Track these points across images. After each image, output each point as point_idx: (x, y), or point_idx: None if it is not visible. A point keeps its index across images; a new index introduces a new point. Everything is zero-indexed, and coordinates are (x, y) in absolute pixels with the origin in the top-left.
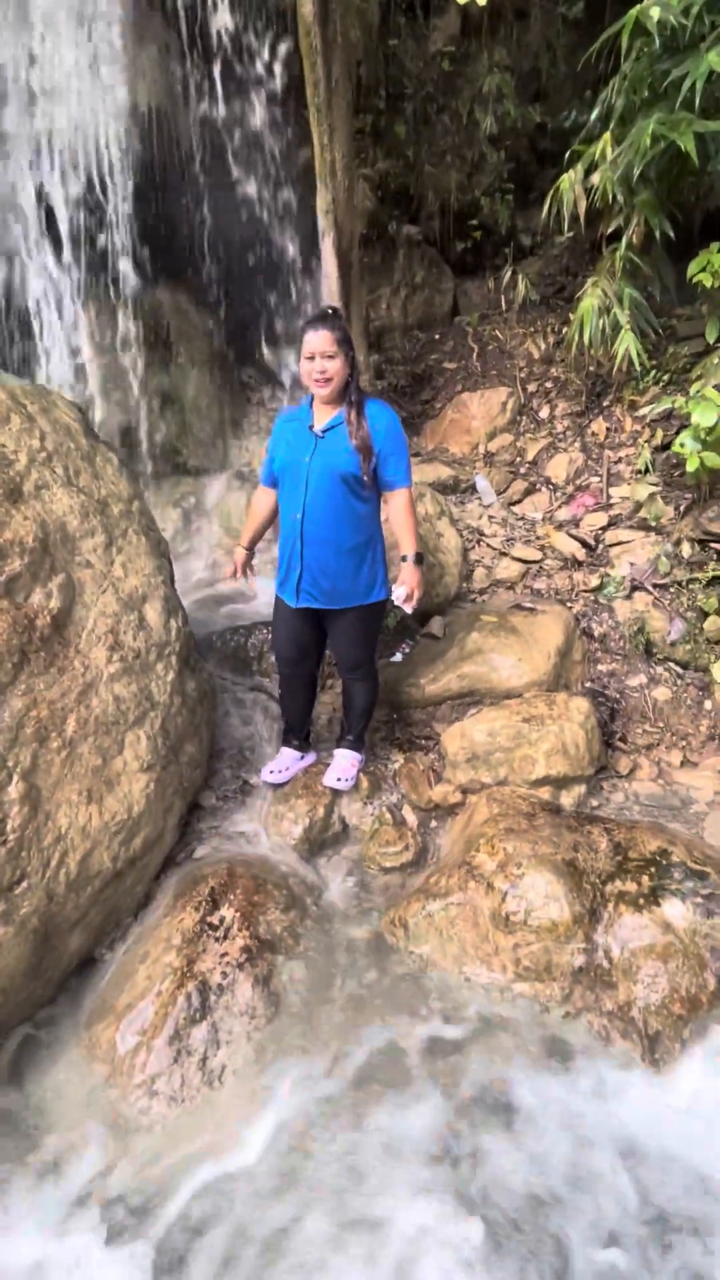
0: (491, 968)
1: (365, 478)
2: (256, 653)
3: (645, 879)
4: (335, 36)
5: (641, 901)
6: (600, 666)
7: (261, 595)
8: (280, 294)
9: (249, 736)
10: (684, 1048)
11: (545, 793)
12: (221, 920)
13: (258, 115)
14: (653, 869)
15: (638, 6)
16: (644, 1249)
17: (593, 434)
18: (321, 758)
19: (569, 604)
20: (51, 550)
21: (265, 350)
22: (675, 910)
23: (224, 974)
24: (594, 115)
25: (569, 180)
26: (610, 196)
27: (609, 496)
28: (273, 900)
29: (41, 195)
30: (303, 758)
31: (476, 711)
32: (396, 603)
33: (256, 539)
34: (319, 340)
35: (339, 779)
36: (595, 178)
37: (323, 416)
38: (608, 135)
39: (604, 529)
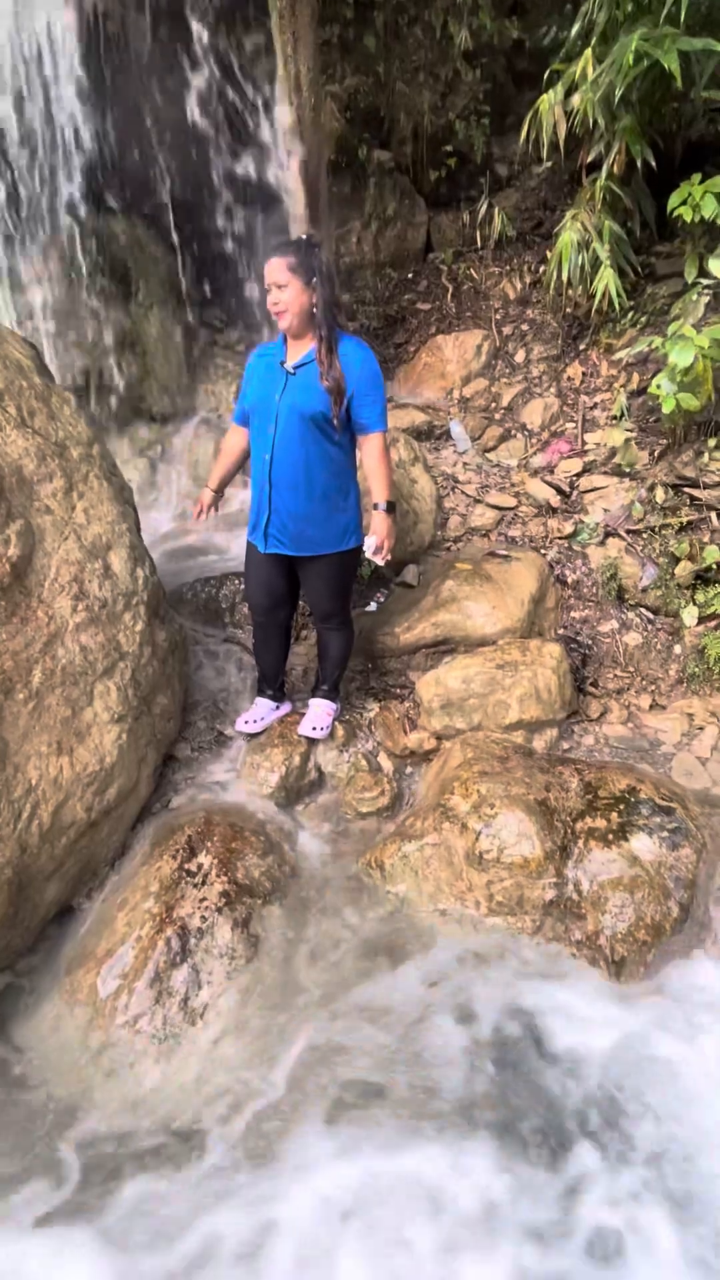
0: (465, 904)
1: (336, 420)
2: (228, 604)
3: (614, 816)
4: None
5: (610, 837)
6: (573, 613)
7: (233, 546)
8: (245, 225)
9: (223, 688)
10: (647, 970)
11: (518, 737)
12: (199, 867)
13: (217, 21)
14: (621, 806)
15: None
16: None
17: (568, 379)
18: (297, 708)
19: (543, 551)
20: (8, 495)
21: (231, 287)
22: (642, 844)
23: (203, 918)
24: (574, 31)
25: (548, 102)
26: (591, 121)
27: (584, 442)
28: (250, 847)
29: None
30: (278, 708)
31: (451, 659)
32: (367, 554)
33: (226, 481)
34: (270, 270)
35: (314, 728)
36: (575, 99)
37: (295, 352)
38: (588, 53)
39: (579, 475)
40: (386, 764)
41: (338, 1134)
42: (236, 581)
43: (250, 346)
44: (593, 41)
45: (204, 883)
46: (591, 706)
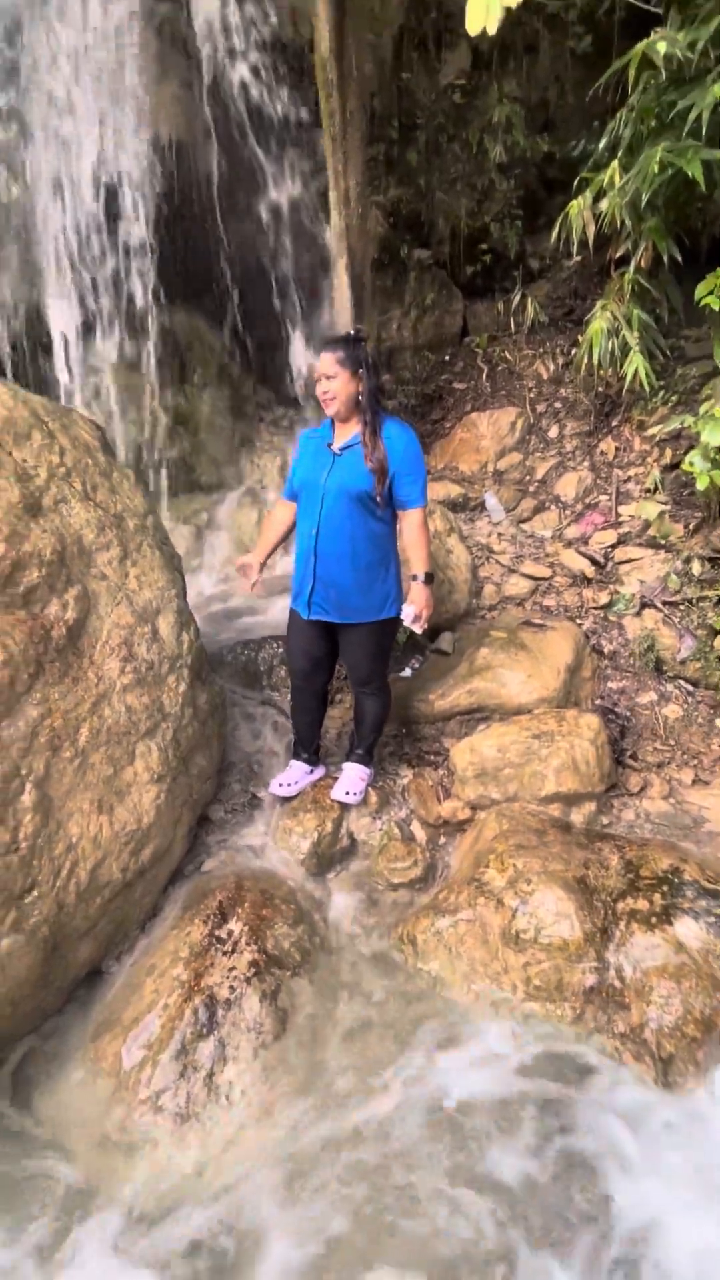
0: (501, 986)
1: (379, 498)
2: (267, 667)
3: (657, 897)
4: (350, 71)
5: (654, 920)
6: (610, 683)
7: (272, 610)
8: (295, 317)
9: (258, 750)
10: (698, 1070)
11: (556, 809)
12: (229, 934)
13: (274, 145)
14: (665, 887)
15: (644, 42)
16: None
17: (601, 453)
18: (330, 772)
19: (579, 621)
20: (68, 562)
21: (279, 371)
22: (688, 930)
23: (231, 988)
24: (602, 144)
25: (578, 206)
26: (619, 222)
27: (618, 514)
28: (281, 915)
29: (65, 223)
30: (312, 771)
31: (486, 727)
32: (405, 622)
33: (271, 550)
34: (321, 363)
35: (347, 793)
36: (604, 204)
37: (342, 435)
38: (615, 163)
39: (613, 546)
40: (420, 833)
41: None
42: (275, 645)
43: (294, 424)
44: (619, 153)
45: (234, 950)
46: (631, 780)
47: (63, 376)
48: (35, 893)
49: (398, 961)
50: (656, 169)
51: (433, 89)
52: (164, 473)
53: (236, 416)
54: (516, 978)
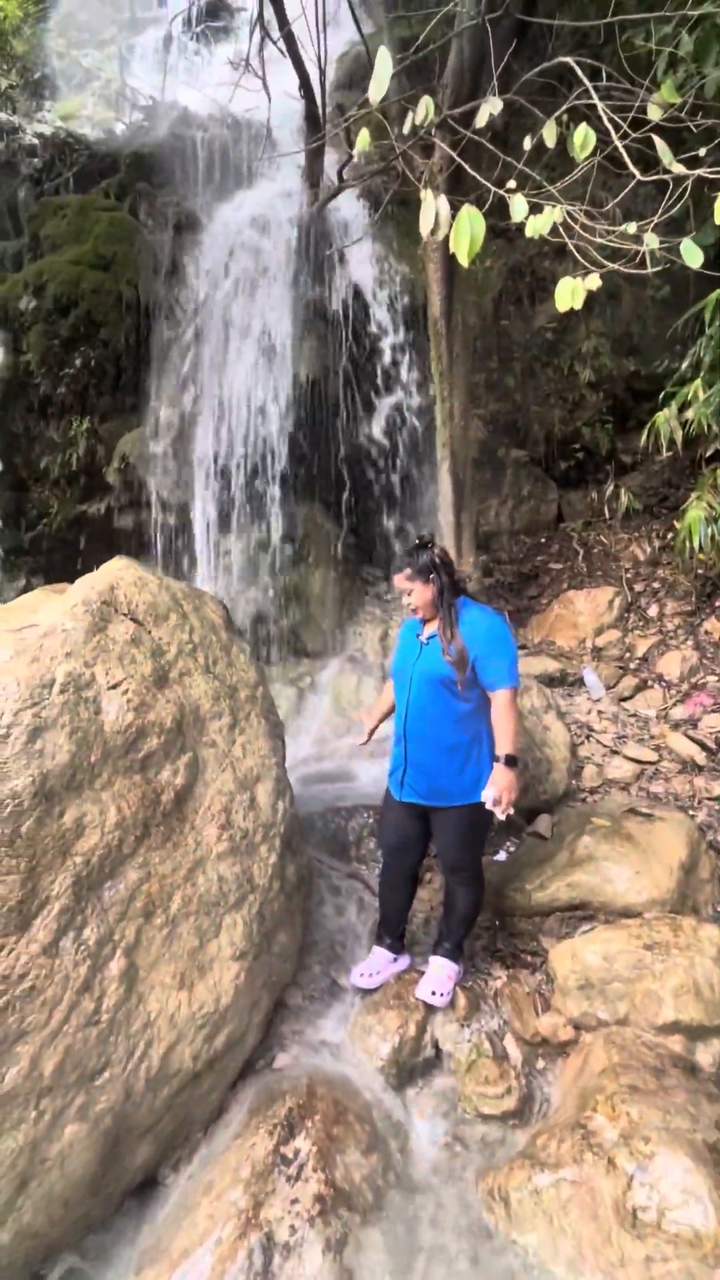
0: None
1: (460, 685)
2: (356, 837)
3: None
4: (457, 325)
5: None
6: None
7: (363, 775)
8: (402, 506)
9: (341, 929)
10: None
11: (676, 1043)
12: (296, 1154)
13: (391, 377)
14: None
15: (717, 292)
16: None
17: (706, 633)
18: (415, 963)
19: (691, 812)
20: (184, 730)
21: (383, 550)
22: None
23: (292, 1228)
24: (684, 365)
25: (665, 416)
26: (706, 427)
27: None
28: (353, 1137)
29: (217, 438)
30: (396, 960)
31: (589, 928)
32: (486, 805)
33: (379, 719)
34: (397, 581)
35: (434, 993)
36: (689, 413)
37: (430, 626)
38: (699, 381)
39: None
40: (514, 1051)
41: None
42: (366, 814)
43: (396, 597)
44: (702, 372)
45: (298, 1177)
46: None
47: (200, 557)
48: (106, 1074)
49: (487, 1225)
50: None
51: (527, 330)
52: (276, 641)
53: (344, 591)
54: (637, 1277)
